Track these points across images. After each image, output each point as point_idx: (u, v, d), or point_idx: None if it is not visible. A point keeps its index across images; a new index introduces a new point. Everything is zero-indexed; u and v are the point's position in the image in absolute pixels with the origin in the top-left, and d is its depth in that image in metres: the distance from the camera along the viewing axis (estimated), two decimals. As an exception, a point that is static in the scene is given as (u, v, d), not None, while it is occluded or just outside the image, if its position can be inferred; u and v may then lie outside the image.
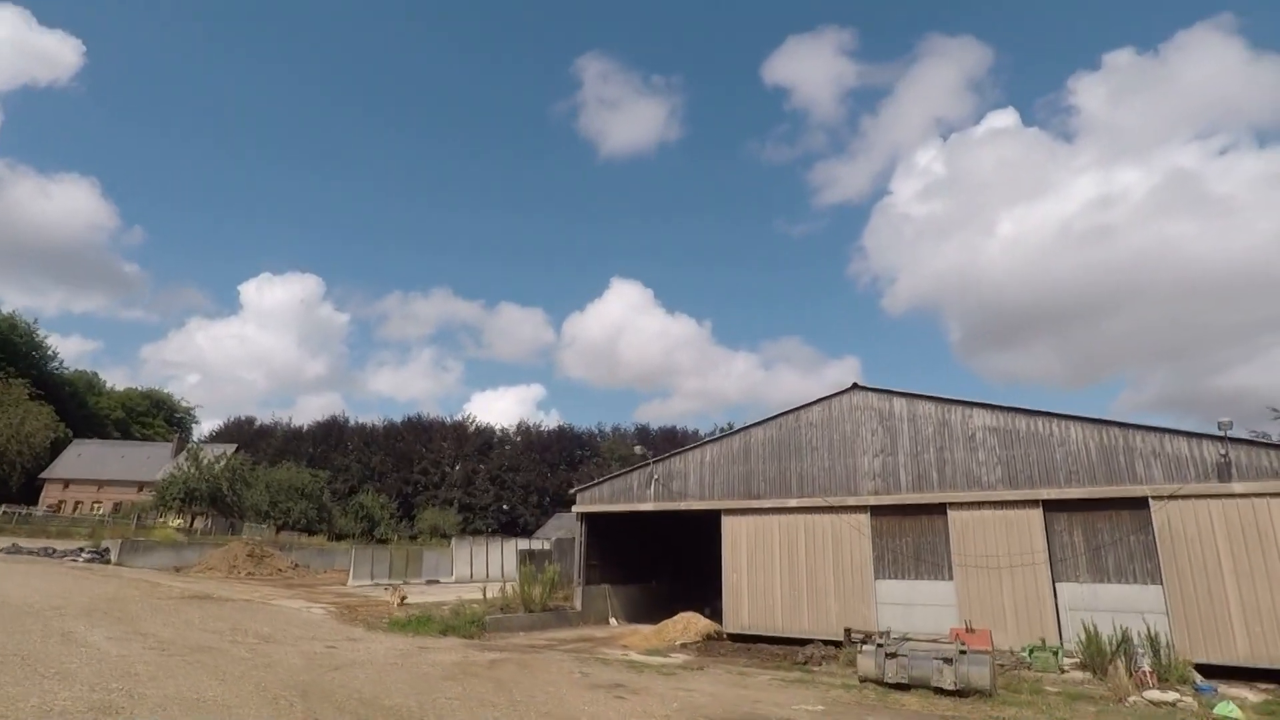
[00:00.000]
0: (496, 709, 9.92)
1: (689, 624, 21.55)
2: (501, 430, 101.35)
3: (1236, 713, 10.74)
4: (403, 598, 24.47)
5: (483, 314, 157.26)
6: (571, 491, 27.35)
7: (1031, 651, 16.18)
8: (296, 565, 36.41)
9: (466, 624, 20.14)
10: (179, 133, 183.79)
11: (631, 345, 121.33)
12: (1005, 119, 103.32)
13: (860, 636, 18.55)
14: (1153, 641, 15.91)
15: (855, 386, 22.10)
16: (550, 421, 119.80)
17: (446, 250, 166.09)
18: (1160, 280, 74.92)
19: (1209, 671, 15.28)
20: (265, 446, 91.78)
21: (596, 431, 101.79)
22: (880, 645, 13.79)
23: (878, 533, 20.67)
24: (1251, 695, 14.01)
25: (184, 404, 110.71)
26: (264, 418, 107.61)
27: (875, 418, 21.53)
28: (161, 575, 30.23)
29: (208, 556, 34.66)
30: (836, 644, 18.79)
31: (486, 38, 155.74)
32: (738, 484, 23.25)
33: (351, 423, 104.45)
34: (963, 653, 13.16)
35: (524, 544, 40.13)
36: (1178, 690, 13.37)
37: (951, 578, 19.32)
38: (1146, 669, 14.58)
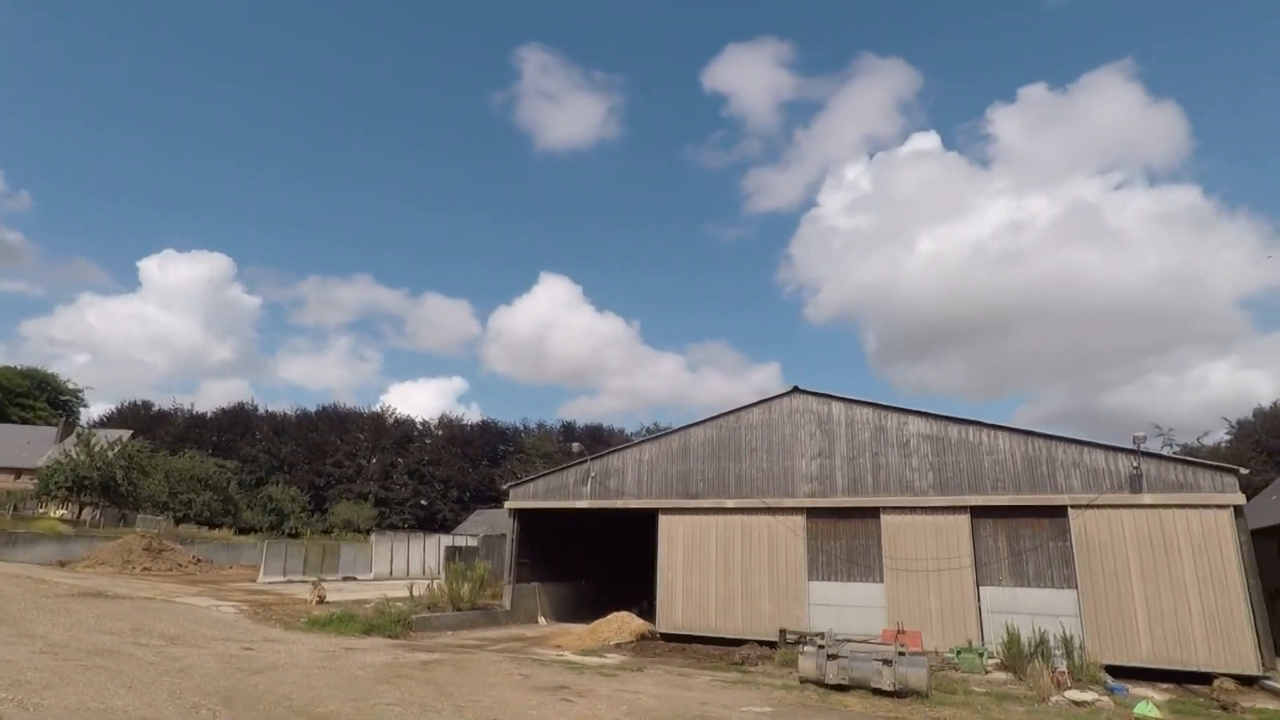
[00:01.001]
0: (440, 714, 9.38)
1: (622, 624, 21.29)
2: (422, 423, 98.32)
3: (1154, 712, 11.32)
4: (321, 596, 23.23)
5: (406, 303, 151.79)
6: (504, 487, 26.64)
7: (959, 653, 16.71)
8: (199, 560, 34.10)
9: (391, 623, 19.27)
10: (78, 97, 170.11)
11: (559, 342, 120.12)
12: (928, 141, 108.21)
13: (794, 637, 18.75)
14: (1067, 644, 16.70)
15: (796, 390, 22.36)
16: (472, 415, 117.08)
17: (370, 236, 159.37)
18: (1060, 303, 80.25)
19: (1115, 672, 16.11)
20: (164, 433, 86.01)
21: (521, 427, 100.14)
22: (821, 647, 13.88)
23: (812, 535, 20.96)
24: (1156, 694, 14.84)
25: (70, 385, 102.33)
26: (163, 403, 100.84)
27: (814, 421, 21.84)
28: (45, 570, 27.71)
29: (98, 550, 32.02)
30: (770, 644, 18.92)
31: (423, 22, 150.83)
32: (676, 483, 23.15)
33: (260, 410, 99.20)
34: (901, 654, 13.40)
35: (448, 540, 38.94)
36: (1095, 691, 14.01)
37: (882, 580, 19.77)
38: (1063, 670, 15.25)
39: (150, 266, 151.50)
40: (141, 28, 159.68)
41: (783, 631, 19.16)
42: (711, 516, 22.33)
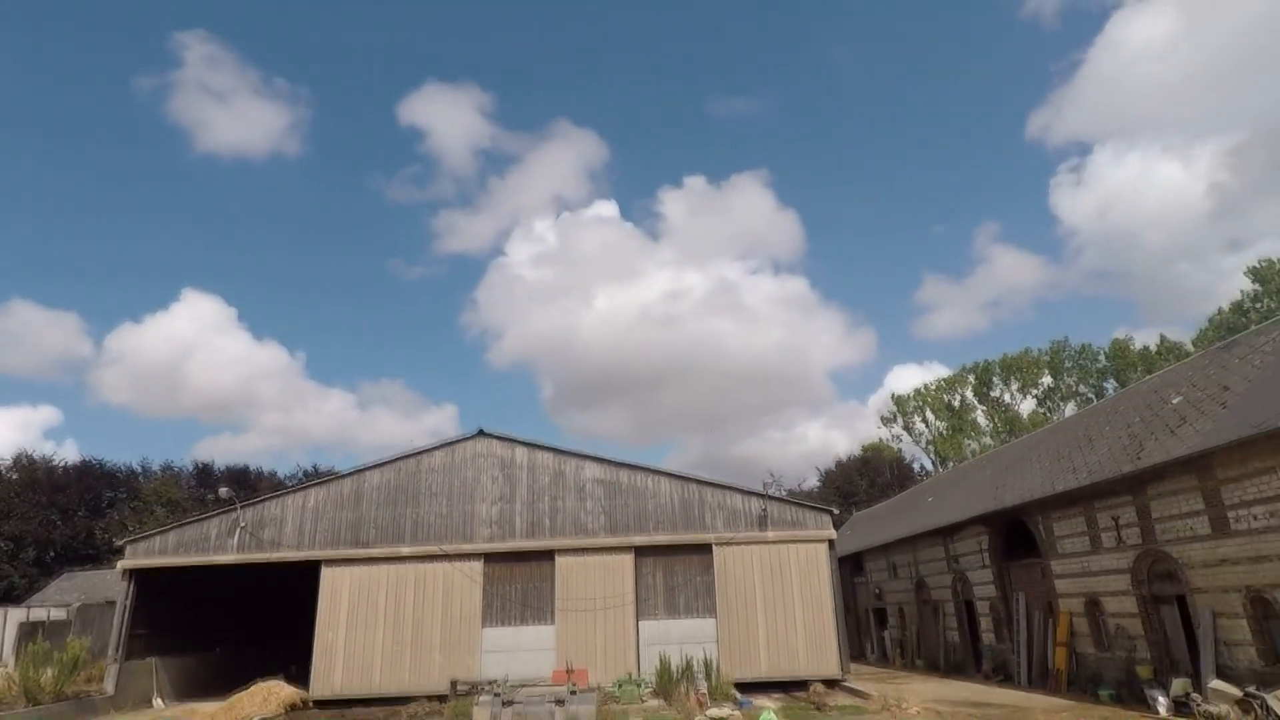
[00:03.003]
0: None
1: (269, 694, 18.68)
2: (-12, 463, 76.12)
3: (773, 717, 13.50)
4: None
5: None
6: (120, 543, 21.90)
7: (620, 685, 17.95)
8: None
9: (-76, 732, 14.45)
10: None
11: (201, 369, 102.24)
12: (609, 209, 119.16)
13: (465, 688, 18.41)
14: (708, 667, 19.07)
15: (481, 433, 22.41)
16: (67, 454, 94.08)
17: None
18: (705, 365, 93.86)
19: (742, 687, 18.68)
20: None
21: (139, 469, 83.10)
22: (498, 694, 13.91)
23: (490, 580, 20.94)
24: (771, 703, 17.59)
25: None
26: None
27: (498, 465, 22.07)
28: None
29: None
30: (441, 698, 18.27)
31: None
32: (345, 531, 21.39)
33: None
34: (573, 693, 14.02)
35: (21, 614, 30.30)
36: (729, 706, 16.13)
37: (553, 622, 20.46)
38: (704, 690, 17.33)
39: None
40: None
41: (454, 683, 18.66)
42: (384, 566, 21.04)
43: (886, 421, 64.67)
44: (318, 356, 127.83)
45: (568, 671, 18.30)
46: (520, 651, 20.19)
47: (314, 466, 74.48)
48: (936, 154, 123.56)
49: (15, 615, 28.75)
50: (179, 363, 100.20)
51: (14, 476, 77.41)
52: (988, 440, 57.51)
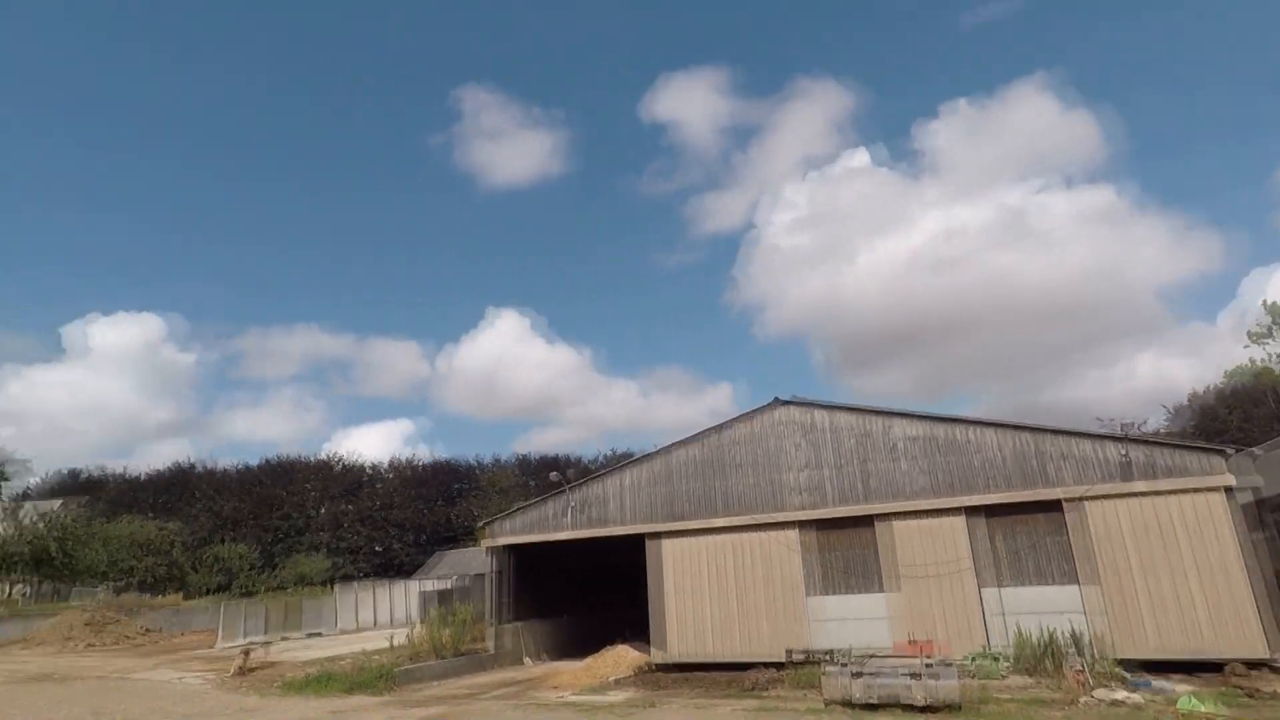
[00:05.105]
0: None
1: (619, 658, 20.36)
2: (372, 467, 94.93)
3: (1199, 705, 11.05)
4: (242, 664, 19.92)
5: (353, 349, 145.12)
6: (481, 524, 25.48)
7: (974, 659, 16.33)
8: (148, 630, 31.61)
9: (374, 679, 18.03)
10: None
11: (510, 376, 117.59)
12: (860, 159, 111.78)
13: (801, 656, 18.16)
14: (1077, 641, 16.52)
15: (777, 401, 21.97)
16: (423, 456, 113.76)
17: (312, 286, 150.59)
18: (996, 305, 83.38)
19: (1127, 666, 15.84)
20: (96, 501, 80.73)
21: (476, 464, 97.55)
22: (845, 665, 13.31)
23: (807, 548, 20.45)
24: (1178, 686, 14.63)
25: (17, 456, 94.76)
26: (92, 469, 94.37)
27: (799, 431, 21.45)
28: (-27, 655, 25.17)
29: (35, 630, 29.36)
30: (775, 665, 18.25)
31: (357, 70, 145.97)
32: (661, 506, 22.40)
33: (199, 469, 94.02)
34: (929, 666, 12.92)
35: (416, 585, 37.12)
36: (1122, 689, 13.73)
37: (883, 590, 19.33)
38: (1079, 668, 14.98)
39: (74, 332, 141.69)
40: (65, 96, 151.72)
41: (789, 651, 18.52)
42: (701, 538, 21.63)
43: (1258, 338, 51.81)
44: (602, 352, 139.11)
45: (910, 642, 17.11)
46: (850, 620, 19.40)
47: (612, 450, 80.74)
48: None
49: (413, 587, 35.15)
50: (493, 372, 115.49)
51: (390, 476, 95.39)
52: None
